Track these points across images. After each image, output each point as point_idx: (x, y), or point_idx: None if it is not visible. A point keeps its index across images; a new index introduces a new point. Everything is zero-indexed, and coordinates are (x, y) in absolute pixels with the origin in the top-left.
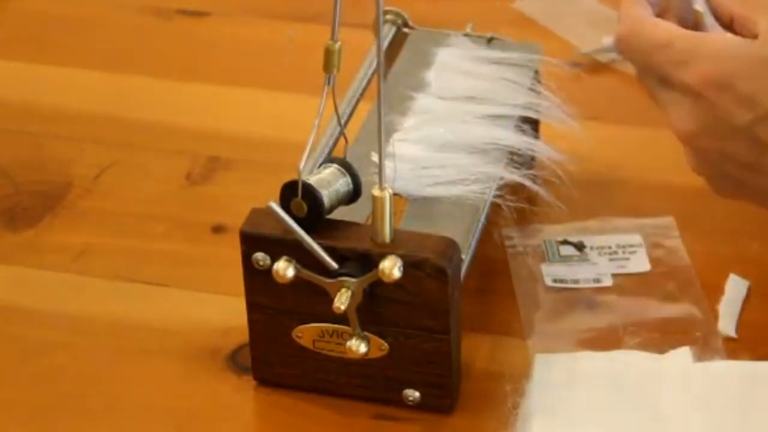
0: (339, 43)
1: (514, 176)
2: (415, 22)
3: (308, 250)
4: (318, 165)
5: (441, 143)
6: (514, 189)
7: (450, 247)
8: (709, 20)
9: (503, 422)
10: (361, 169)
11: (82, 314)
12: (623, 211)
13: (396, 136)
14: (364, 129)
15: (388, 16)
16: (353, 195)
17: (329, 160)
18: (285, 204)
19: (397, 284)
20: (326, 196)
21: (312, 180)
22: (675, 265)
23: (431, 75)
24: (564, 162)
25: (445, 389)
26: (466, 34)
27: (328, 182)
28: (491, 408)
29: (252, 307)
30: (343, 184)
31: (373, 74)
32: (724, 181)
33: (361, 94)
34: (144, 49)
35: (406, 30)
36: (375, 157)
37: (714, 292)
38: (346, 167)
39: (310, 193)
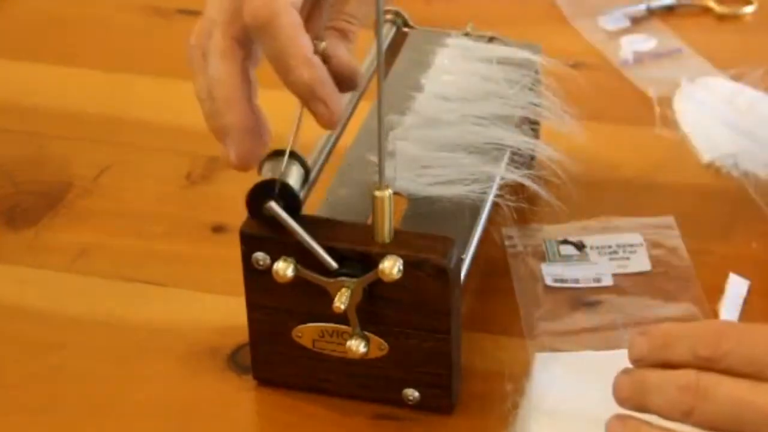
0: None
1: (514, 176)
2: (415, 22)
3: (308, 249)
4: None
5: (441, 143)
6: (514, 189)
7: (450, 247)
8: None
9: (503, 422)
10: (361, 169)
11: (82, 314)
12: (623, 211)
13: (396, 135)
14: (364, 129)
15: (388, 16)
16: (305, 178)
17: (273, 153)
18: (257, 209)
19: (397, 284)
20: (298, 191)
21: (286, 179)
22: (675, 265)
23: (431, 75)
24: (564, 162)
25: (445, 389)
26: (466, 34)
27: (291, 175)
28: (491, 408)
29: (252, 307)
30: (298, 172)
31: (373, 74)
32: None
33: (361, 94)
34: (144, 49)
35: (406, 30)
36: (374, 158)
37: (714, 292)
38: (293, 155)
39: (288, 192)
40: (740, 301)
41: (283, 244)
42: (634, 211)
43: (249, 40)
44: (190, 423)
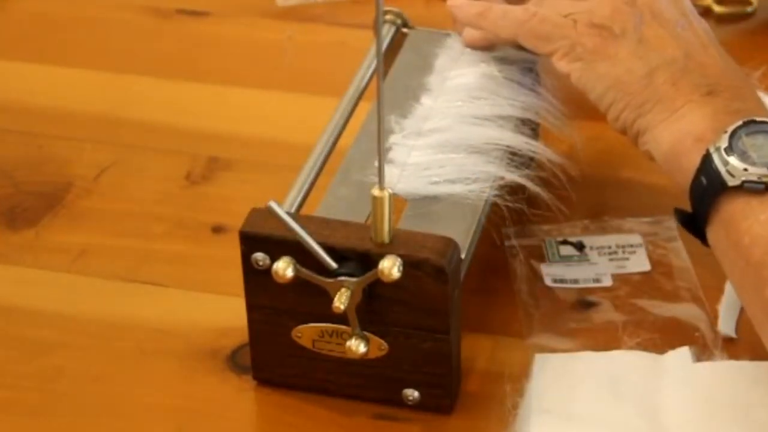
0: None
1: (514, 176)
2: (415, 22)
3: (308, 250)
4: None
5: (441, 143)
6: (513, 189)
7: (450, 247)
8: None
9: (503, 422)
10: (361, 169)
11: (82, 314)
12: (623, 211)
13: (396, 136)
14: (363, 129)
15: (388, 16)
16: None
17: None
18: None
19: (396, 284)
20: None
21: None
22: (675, 265)
23: (431, 75)
24: (563, 162)
25: (445, 389)
26: None
27: None
28: (491, 408)
29: (252, 307)
30: None
31: (373, 74)
32: None
33: (361, 94)
34: (144, 49)
35: (405, 30)
36: (374, 159)
37: (714, 292)
38: None
39: None
40: (740, 301)
41: (283, 244)
42: (634, 211)
43: None
44: (189, 423)
